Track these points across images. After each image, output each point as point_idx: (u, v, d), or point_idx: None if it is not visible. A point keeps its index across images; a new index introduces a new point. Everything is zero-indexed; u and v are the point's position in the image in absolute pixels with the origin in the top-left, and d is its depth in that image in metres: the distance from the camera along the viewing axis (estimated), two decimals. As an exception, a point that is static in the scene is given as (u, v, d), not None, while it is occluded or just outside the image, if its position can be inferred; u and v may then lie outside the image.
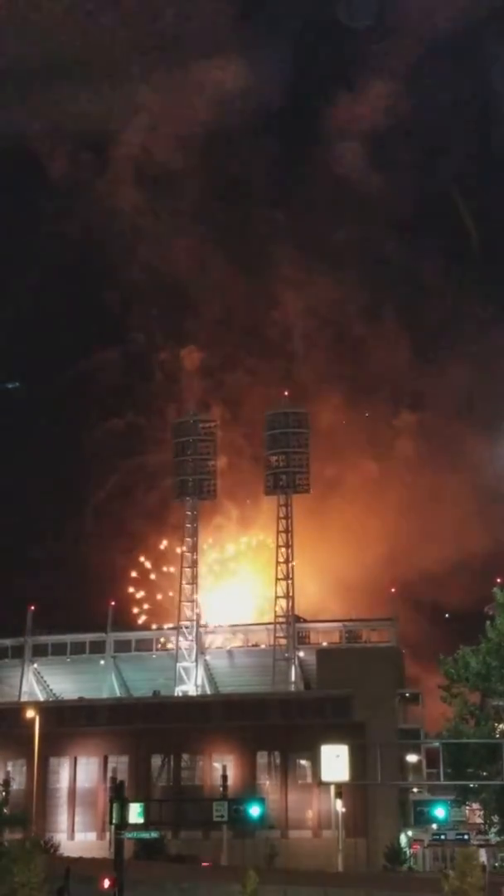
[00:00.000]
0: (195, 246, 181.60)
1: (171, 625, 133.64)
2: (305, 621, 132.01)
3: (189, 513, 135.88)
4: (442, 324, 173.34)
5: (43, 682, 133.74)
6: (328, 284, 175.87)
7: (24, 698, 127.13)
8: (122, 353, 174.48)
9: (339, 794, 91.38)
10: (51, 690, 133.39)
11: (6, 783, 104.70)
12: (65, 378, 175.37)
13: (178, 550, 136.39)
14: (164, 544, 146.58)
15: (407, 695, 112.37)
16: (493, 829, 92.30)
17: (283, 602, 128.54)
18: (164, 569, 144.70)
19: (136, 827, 67.21)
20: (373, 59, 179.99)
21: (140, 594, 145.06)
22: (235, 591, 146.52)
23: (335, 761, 79.42)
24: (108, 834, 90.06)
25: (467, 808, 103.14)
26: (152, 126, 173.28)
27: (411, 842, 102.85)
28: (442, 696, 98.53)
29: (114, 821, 64.15)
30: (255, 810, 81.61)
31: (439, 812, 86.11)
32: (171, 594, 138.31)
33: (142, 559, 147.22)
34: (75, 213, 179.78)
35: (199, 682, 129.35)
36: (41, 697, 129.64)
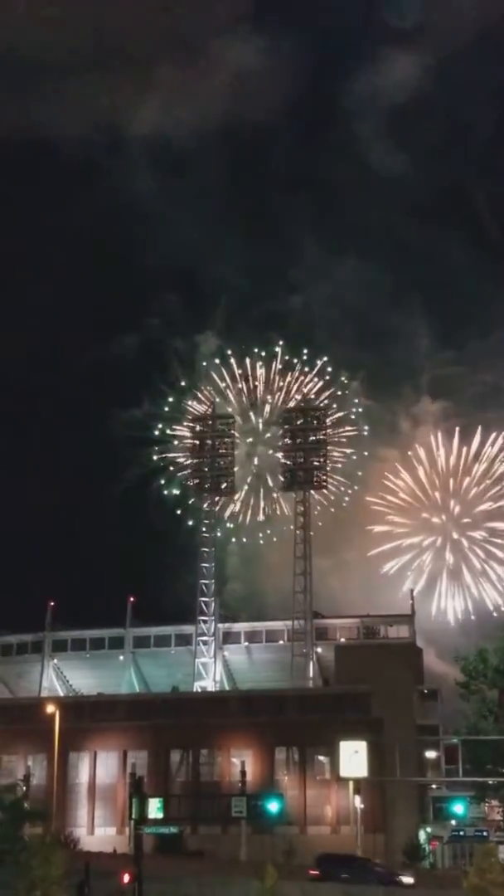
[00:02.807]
0: (213, 230, 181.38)
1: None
2: (324, 617, 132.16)
3: (208, 508, 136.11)
4: (467, 310, 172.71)
5: (63, 678, 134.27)
6: (349, 270, 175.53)
7: (43, 693, 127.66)
8: (138, 341, 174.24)
9: (357, 790, 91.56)
10: (70, 686, 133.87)
11: (26, 778, 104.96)
12: (81, 368, 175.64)
13: (197, 546, 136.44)
14: (183, 538, 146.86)
15: (425, 691, 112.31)
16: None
17: (301, 598, 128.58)
18: (185, 562, 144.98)
19: (155, 822, 67.64)
20: (396, 38, 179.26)
21: (160, 589, 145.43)
22: (255, 586, 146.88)
23: (353, 757, 79.93)
24: (127, 829, 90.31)
25: (486, 804, 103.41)
26: (169, 109, 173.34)
27: (430, 838, 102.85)
28: (461, 693, 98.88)
29: (133, 816, 64.55)
30: (273, 806, 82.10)
31: (458, 808, 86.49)
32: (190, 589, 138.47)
33: (161, 554, 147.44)
34: (91, 199, 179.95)
35: (218, 677, 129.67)
36: (61, 693, 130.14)
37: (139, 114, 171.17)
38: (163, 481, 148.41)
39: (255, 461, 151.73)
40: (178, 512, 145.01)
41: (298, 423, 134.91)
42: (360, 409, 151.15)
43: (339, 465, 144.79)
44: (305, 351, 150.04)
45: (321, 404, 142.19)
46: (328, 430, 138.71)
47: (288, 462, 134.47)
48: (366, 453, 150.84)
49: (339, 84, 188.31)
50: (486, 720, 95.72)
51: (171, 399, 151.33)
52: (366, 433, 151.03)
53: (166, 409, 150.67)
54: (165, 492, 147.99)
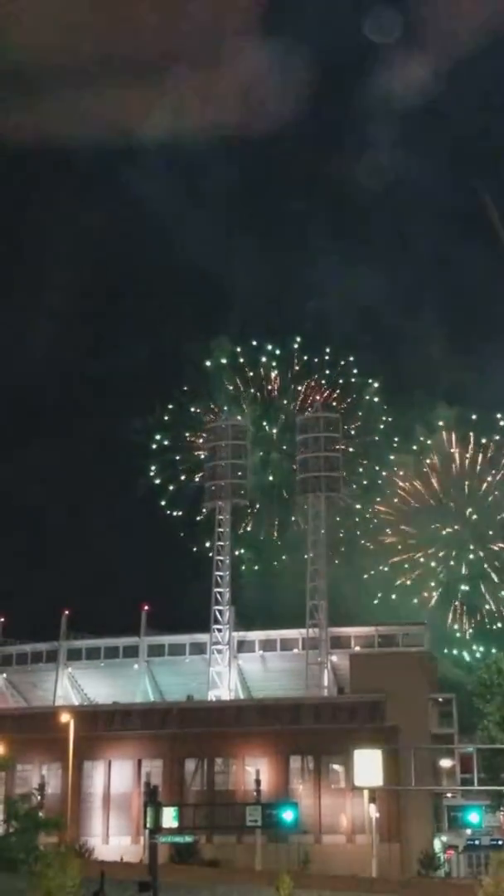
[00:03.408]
0: (227, 236, 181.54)
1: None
2: (338, 625, 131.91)
3: (222, 516, 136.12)
4: (482, 315, 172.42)
5: (77, 687, 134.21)
6: (364, 275, 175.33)
7: (58, 702, 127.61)
8: (152, 347, 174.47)
9: (372, 799, 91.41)
10: (85, 695, 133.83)
11: (41, 787, 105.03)
12: (93, 374, 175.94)
13: (211, 555, 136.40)
14: (197, 547, 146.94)
15: (440, 699, 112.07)
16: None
17: (315, 606, 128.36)
18: (199, 570, 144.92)
19: (170, 831, 67.49)
20: (410, 43, 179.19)
21: (174, 598, 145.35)
22: (270, 593, 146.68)
23: (368, 766, 79.43)
24: (142, 838, 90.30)
25: (502, 813, 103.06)
26: (183, 114, 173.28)
27: (445, 847, 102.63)
28: (475, 702, 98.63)
29: (148, 825, 64.42)
30: (288, 815, 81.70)
31: (473, 817, 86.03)
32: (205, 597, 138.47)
33: (175, 562, 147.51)
34: (105, 205, 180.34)
35: (233, 686, 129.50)
36: (75, 702, 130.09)
37: (153, 119, 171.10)
38: (177, 489, 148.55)
39: (270, 468, 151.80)
40: (194, 520, 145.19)
41: (313, 429, 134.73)
42: (375, 416, 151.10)
43: (354, 473, 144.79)
44: (320, 357, 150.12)
45: (336, 411, 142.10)
46: (343, 437, 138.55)
47: (302, 469, 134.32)
48: (380, 463, 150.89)
49: (353, 88, 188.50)
50: (501, 728, 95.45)
51: (185, 405, 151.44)
52: (381, 440, 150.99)
53: (181, 415, 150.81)
54: (180, 499, 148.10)
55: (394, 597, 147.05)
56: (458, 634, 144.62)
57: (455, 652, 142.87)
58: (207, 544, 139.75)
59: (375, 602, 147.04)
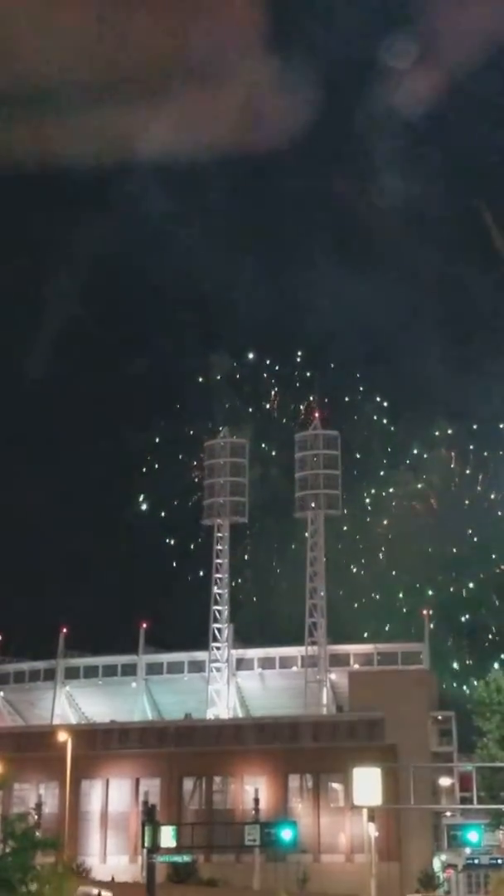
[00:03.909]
0: (227, 252, 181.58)
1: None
2: (337, 643, 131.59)
3: (221, 533, 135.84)
4: (482, 332, 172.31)
5: (75, 705, 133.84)
6: (364, 291, 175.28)
7: (56, 721, 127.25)
8: (150, 363, 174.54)
9: (371, 818, 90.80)
10: (83, 713, 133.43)
11: (38, 806, 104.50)
12: (92, 392, 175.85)
13: (210, 572, 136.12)
14: (195, 564, 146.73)
15: (439, 717, 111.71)
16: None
17: (314, 624, 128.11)
18: (197, 588, 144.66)
19: (168, 850, 67.01)
20: (411, 60, 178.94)
21: (173, 615, 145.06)
22: (268, 611, 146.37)
23: (368, 784, 79.04)
24: (140, 857, 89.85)
25: (501, 832, 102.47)
26: (182, 131, 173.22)
27: (445, 866, 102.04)
28: (475, 721, 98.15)
29: (146, 844, 64.00)
30: (286, 834, 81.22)
31: (473, 836, 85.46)
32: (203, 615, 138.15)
33: (174, 580, 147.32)
34: (103, 222, 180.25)
35: (231, 704, 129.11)
36: (73, 720, 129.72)
37: (154, 137, 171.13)
38: (176, 507, 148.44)
39: (269, 485, 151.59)
40: (192, 538, 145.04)
41: (312, 447, 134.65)
42: (375, 433, 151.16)
43: (353, 489, 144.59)
44: (319, 374, 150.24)
45: (335, 428, 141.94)
46: (342, 454, 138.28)
47: (301, 487, 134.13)
48: (379, 480, 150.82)
49: (356, 106, 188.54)
50: (501, 747, 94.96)
51: (183, 423, 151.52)
52: (380, 457, 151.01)
53: (178, 432, 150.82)
54: (177, 517, 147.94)
55: (393, 614, 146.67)
56: (455, 665, 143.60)
57: (455, 665, 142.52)
58: (206, 561, 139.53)
59: (374, 620, 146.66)
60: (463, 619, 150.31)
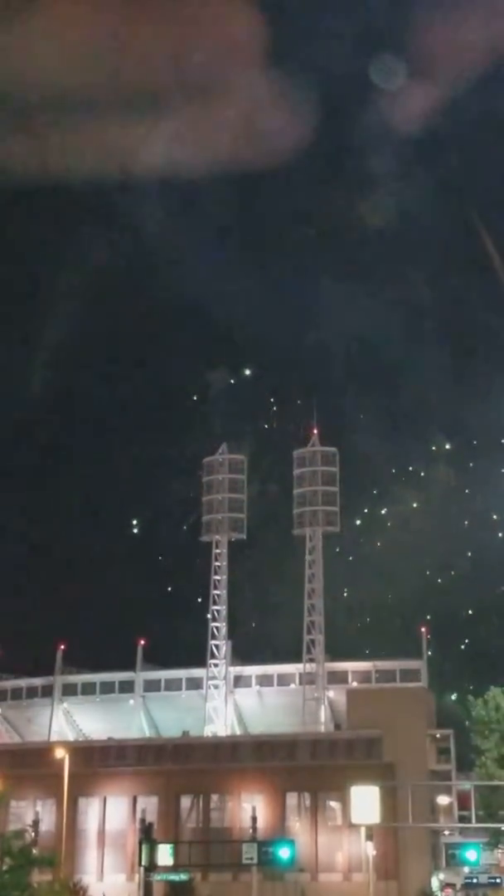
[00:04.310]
0: (226, 266, 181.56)
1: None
2: (336, 660, 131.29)
3: (219, 550, 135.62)
4: (482, 347, 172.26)
5: (72, 722, 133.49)
6: (363, 306, 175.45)
7: (53, 738, 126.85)
8: (149, 378, 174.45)
9: (369, 836, 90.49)
10: (80, 730, 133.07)
11: (35, 823, 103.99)
12: (89, 407, 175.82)
13: (207, 589, 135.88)
14: (194, 581, 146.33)
15: (438, 735, 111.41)
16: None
17: (312, 641, 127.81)
18: (195, 605, 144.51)
19: (165, 869, 66.86)
20: (409, 74, 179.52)
21: (170, 632, 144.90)
22: (266, 628, 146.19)
23: (366, 803, 78.87)
24: (137, 876, 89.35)
25: (500, 851, 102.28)
26: (181, 146, 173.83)
27: (443, 885, 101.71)
28: (473, 739, 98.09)
29: (143, 862, 63.93)
30: (284, 852, 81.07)
31: (471, 855, 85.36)
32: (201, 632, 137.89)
33: (172, 597, 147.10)
34: (102, 236, 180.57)
35: (229, 721, 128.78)
36: (70, 737, 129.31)
37: (153, 152, 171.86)
38: (173, 522, 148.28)
39: (267, 501, 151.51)
40: (189, 554, 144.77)
41: (310, 463, 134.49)
42: (374, 449, 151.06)
43: (352, 506, 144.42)
44: (318, 389, 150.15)
45: (334, 444, 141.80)
46: (341, 470, 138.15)
47: (300, 503, 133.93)
48: (378, 496, 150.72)
49: (352, 119, 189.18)
50: (499, 765, 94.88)
51: (181, 438, 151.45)
52: (379, 472, 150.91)
53: (177, 448, 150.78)
54: (176, 533, 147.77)
55: (391, 630, 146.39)
56: (453, 683, 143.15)
57: (453, 683, 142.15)
58: (204, 578, 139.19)
59: (373, 637, 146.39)
60: (462, 636, 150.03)
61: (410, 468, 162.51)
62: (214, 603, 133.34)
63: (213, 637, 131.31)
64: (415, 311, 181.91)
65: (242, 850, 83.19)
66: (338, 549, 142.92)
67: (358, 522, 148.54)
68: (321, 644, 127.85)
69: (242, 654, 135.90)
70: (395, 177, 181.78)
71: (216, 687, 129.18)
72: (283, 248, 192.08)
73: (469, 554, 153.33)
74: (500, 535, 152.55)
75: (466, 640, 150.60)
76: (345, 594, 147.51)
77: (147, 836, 65.56)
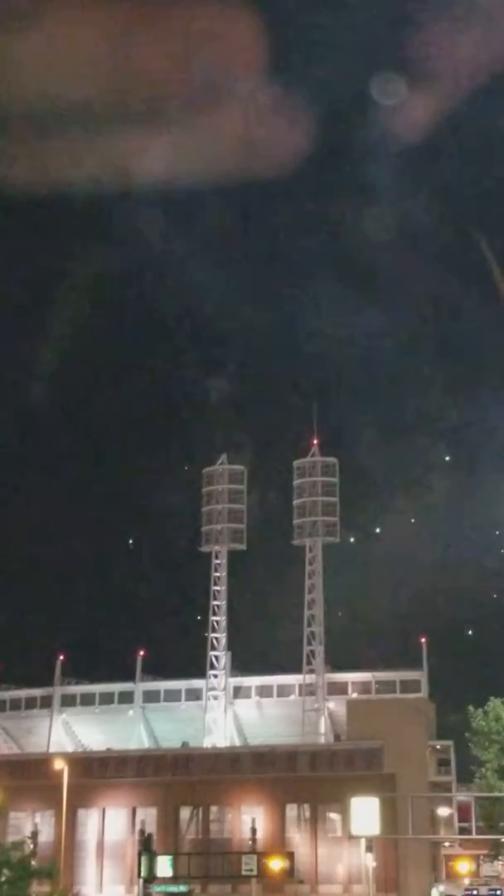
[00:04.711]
0: (226, 276, 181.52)
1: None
2: (335, 671, 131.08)
3: (219, 560, 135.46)
4: (483, 359, 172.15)
5: (71, 733, 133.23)
6: (364, 316, 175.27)
7: (52, 749, 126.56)
8: (148, 386, 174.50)
9: (369, 848, 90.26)
10: (79, 741, 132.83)
11: (34, 835, 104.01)
12: (87, 414, 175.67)
13: (207, 600, 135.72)
14: (193, 592, 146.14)
15: (438, 747, 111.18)
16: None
17: (312, 651, 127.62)
18: (195, 615, 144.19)
19: (164, 880, 66.79)
20: (411, 82, 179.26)
21: (170, 643, 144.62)
22: (266, 639, 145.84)
23: (366, 814, 78.73)
24: (136, 887, 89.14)
25: (500, 862, 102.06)
26: (182, 154, 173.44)
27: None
28: (474, 750, 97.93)
29: (142, 874, 63.85)
30: (284, 864, 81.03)
31: (462, 867, 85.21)
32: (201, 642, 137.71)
33: (171, 608, 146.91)
34: (103, 246, 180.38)
35: (228, 733, 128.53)
36: (70, 748, 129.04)
37: (153, 162, 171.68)
38: (173, 532, 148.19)
39: (268, 512, 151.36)
40: (189, 564, 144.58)
41: (310, 474, 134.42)
42: (374, 458, 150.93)
43: (352, 516, 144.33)
44: (319, 398, 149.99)
45: (334, 454, 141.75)
46: (341, 480, 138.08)
47: (300, 514, 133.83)
48: (379, 507, 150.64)
49: (353, 127, 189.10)
50: (499, 777, 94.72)
51: (181, 448, 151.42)
52: (379, 482, 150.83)
53: (176, 458, 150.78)
54: (175, 544, 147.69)
55: (391, 641, 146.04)
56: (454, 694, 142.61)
57: (454, 694, 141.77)
58: (204, 588, 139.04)
59: (373, 648, 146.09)
60: (462, 647, 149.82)
61: (410, 478, 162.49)
62: (214, 614, 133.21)
63: (213, 648, 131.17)
64: (416, 321, 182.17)
65: (242, 861, 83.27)
66: (338, 560, 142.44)
67: (358, 533, 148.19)
68: (321, 655, 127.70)
69: (242, 664, 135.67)
70: (396, 188, 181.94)
71: (216, 698, 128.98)
72: (284, 258, 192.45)
73: (469, 564, 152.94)
74: (501, 545, 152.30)
75: (467, 651, 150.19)
76: (345, 605, 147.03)
77: (146, 848, 65.42)
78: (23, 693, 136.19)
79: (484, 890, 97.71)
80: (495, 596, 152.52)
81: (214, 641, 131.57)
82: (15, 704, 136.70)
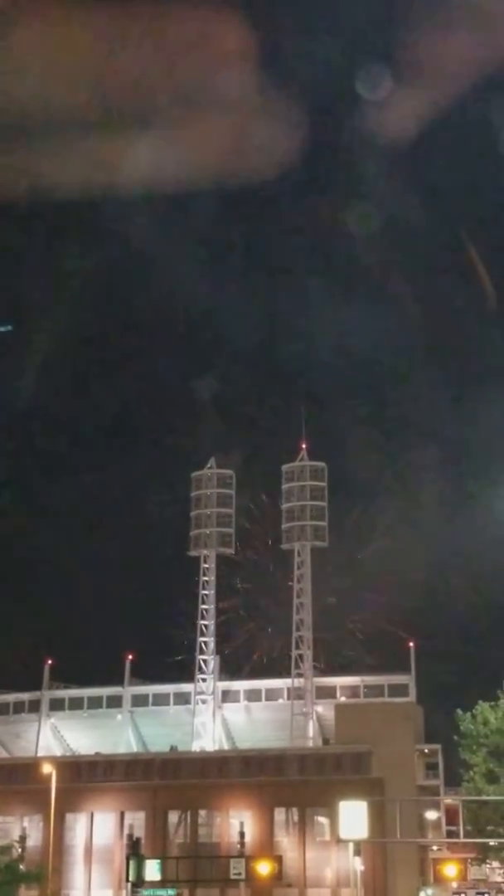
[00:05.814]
0: (215, 277, 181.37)
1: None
2: (324, 675, 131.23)
3: (207, 564, 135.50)
4: (473, 360, 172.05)
5: (60, 737, 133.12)
6: (355, 318, 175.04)
7: (40, 753, 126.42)
8: (135, 388, 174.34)
9: (357, 852, 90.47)
10: (68, 745, 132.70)
11: (22, 839, 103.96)
12: (74, 416, 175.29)
13: (196, 604, 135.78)
14: (182, 596, 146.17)
15: (426, 750, 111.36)
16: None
17: (300, 656, 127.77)
18: (183, 620, 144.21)
19: (153, 884, 66.78)
20: (404, 81, 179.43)
21: (157, 647, 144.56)
22: (254, 643, 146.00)
23: (354, 818, 78.81)
24: (124, 891, 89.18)
25: (487, 866, 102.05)
26: (169, 154, 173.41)
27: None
28: (461, 754, 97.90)
29: (130, 878, 63.82)
30: (272, 868, 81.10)
31: (450, 871, 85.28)
32: (187, 646, 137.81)
33: (159, 612, 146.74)
34: (90, 250, 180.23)
35: (217, 737, 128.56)
36: (58, 752, 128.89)
37: (136, 159, 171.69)
38: (161, 537, 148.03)
39: (256, 516, 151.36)
40: (177, 568, 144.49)
41: (299, 478, 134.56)
42: (363, 462, 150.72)
43: (341, 520, 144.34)
44: (308, 402, 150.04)
45: (323, 457, 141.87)
46: (329, 484, 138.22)
47: (288, 518, 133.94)
48: (369, 510, 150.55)
49: (344, 128, 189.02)
50: (487, 780, 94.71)
51: (168, 452, 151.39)
52: (368, 485, 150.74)
53: (164, 462, 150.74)
54: (163, 548, 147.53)
55: (380, 645, 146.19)
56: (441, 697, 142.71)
57: (441, 697, 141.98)
58: (192, 592, 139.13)
59: (361, 652, 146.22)
60: (450, 651, 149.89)
61: (399, 482, 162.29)
62: (202, 618, 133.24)
63: (201, 652, 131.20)
64: (406, 324, 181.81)
65: (230, 865, 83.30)
66: (326, 564, 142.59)
67: (346, 537, 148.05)
68: (309, 659, 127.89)
69: (230, 669, 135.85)
70: (387, 190, 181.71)
71: (204, 702, 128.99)
72: (273, 260, 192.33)
73: (459, 569, 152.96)
74: (491, 549, 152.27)
75: (455, 655, 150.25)
76: (333, 609, 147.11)
77: (135, 852, 65.44)
78: (11, 697, 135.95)
79: (472, 893, 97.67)
80: (483, 600, 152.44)
81: (203, 645, 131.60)
82: (3, 708, 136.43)
